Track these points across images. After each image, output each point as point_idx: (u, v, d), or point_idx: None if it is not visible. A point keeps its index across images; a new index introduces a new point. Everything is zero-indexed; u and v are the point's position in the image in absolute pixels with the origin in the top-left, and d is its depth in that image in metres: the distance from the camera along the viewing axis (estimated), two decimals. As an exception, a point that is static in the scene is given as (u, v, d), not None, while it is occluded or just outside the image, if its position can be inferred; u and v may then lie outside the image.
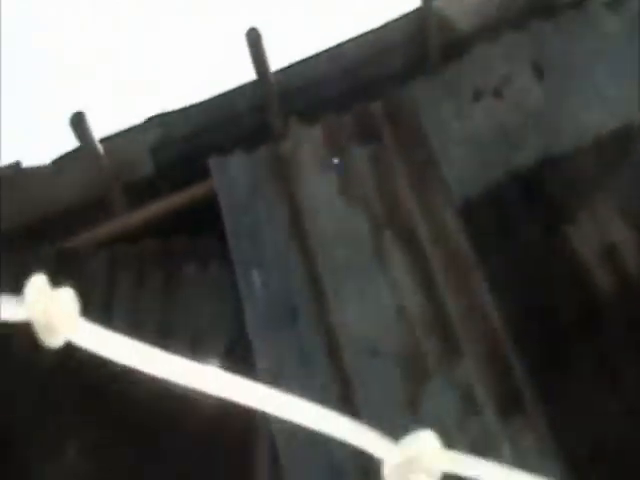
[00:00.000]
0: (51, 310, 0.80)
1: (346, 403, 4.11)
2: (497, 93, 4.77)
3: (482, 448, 3.92)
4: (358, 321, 4.31)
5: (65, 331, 0.81)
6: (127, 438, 4.27)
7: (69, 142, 4.85)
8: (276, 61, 4.94)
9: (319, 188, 4.59)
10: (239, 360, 4.50)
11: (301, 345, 4.28)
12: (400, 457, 0.91)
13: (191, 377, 0.86)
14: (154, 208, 4.80)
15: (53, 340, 0.80)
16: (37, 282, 0.80)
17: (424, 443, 0.93)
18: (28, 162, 4.90)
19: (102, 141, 4.87)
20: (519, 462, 3.87)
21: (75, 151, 4.88)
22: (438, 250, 4.39)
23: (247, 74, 4.95)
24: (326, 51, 5.03)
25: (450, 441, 3.49)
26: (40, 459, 4.28)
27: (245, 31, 4.77)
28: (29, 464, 4.28)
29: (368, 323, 4.30)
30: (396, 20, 5.03)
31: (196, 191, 4.77)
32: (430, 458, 0.93)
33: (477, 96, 4.78)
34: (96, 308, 4.58)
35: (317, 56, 5.04)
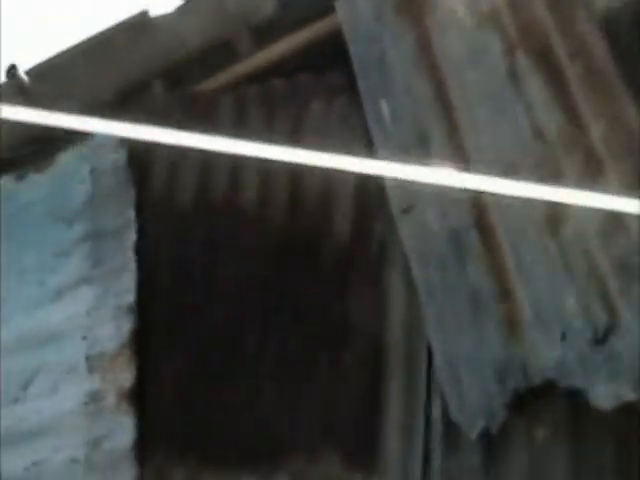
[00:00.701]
0: None
1: (482, 225, 3.97)
2: None
3: (631, 267, 3.71)
4: (493, 144, 4.12)
5: None
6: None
7: (193, -13, 4.80)
8: None
9: (447, 10, 4.36)
10: (369, 200, 4.41)
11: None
12: None
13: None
14: (280, 47, 4.71)
15: None
16: None
17: None
18: (154, 10, 4.88)
19: (225, -17, 4.80)
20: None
21: (199, -5, 4.83)
22: (577, 67, 4.11)
23: None
24: None
25: (594, 262, 3.20)
26: None
27: None
28: None
29: (504, 146, 4.10)
30: None
31: (321, 27, 4.64)
32: None
33: None
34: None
35: None
